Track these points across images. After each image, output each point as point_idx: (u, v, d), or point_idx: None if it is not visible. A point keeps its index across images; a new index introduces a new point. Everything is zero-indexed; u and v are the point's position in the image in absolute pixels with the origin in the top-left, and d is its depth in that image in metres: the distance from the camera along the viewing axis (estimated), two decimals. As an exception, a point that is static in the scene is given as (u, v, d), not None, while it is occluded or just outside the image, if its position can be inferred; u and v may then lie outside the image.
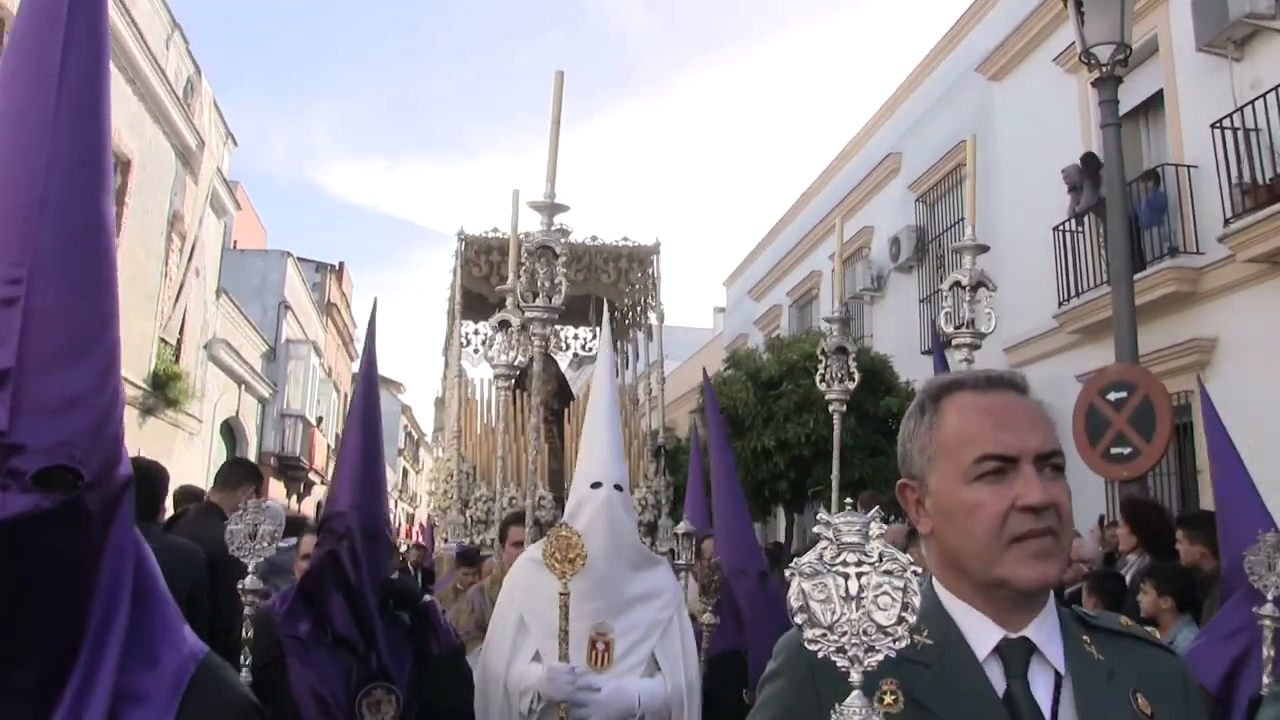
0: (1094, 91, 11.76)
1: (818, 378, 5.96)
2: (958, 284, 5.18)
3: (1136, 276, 8.56)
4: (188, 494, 6.34)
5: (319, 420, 28.30)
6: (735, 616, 4.29)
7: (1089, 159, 11.22)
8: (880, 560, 1.13)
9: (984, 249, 5.55)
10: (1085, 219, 11.45)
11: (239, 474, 5.23)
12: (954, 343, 5.22)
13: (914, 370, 13.32)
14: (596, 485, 3.44)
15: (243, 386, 22.30)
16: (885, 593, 1.12)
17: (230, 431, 22.10)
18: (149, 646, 1.23)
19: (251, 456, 22.79)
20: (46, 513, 1.10)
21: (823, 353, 5.89)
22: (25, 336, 1.10)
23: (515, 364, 5.71)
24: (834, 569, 1.13)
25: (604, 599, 3.34)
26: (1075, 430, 6.83)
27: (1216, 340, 10.07)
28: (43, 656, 1.13)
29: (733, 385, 11.22)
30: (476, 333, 13.05)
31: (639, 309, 12.29)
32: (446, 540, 10.13)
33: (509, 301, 5.68)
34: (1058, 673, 1.40)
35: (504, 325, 5.63)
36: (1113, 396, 6.58)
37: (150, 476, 4.29)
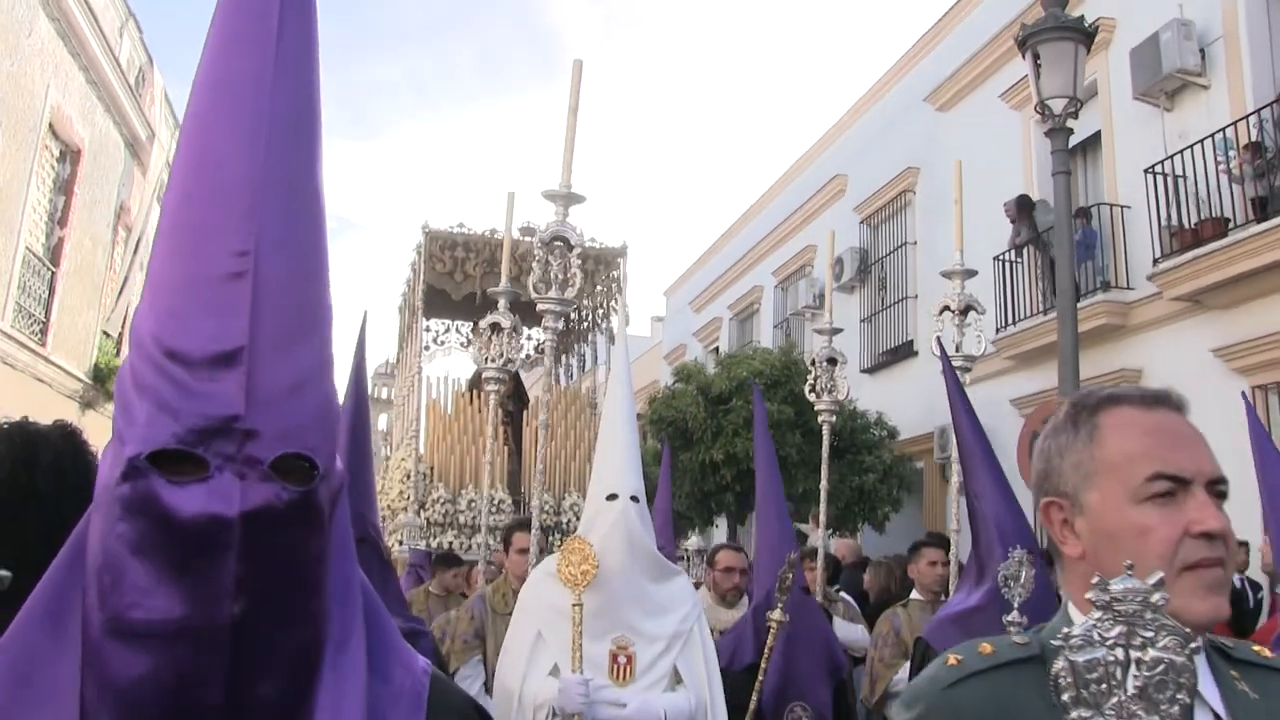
0: (1036, 128, 12.40)
1: (807, 388, 6.07)
2: (947, 309, 5.39)
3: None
4: None
5: (255, 415, 28.15)
6: (761, 631, 4.21)
7: (1024, 200, 11.83)
8: (1158, 635, 1.03)
9: (972, 273, 5.95)
10: (1024, 250, 11.99)
11: None
12: (817, 409, 5.63)
13: (856, 389, 13.78)
14: (613, 497, 3.39)
15: (182, 380, 22.18)
16: (1161, 674, 1.02)
17: (168, 425, 21.95)
18: (380, 660, 1.15)
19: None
20: (286, 505, 1.01)
21: (813, 363, 6.01)
22: (256, 313, 0.99)
23: (507, 366, 5.65)
24: (1109, 643, 1.03)
25: (624, 612, 3.31)
26: (1019, 456, 7.27)
27: (1141, 372, 10.64)
28: (287, 668, 1.04)
29: (682, 398, 11.54)
30: (443, 330, 13.16)
31: (600, 311, 12.30)
32: (401, 543, 10.07)
33: (501, 303, 5.63)
34: (1217, 715, 1.28)
35: (496, 328, 5.57)
36: (1055, 427, 7.05)
37: None
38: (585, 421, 11.19)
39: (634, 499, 3.39)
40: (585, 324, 12.86)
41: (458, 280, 11.06)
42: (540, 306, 4.42)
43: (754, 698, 3.92)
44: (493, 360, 5.54)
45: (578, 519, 9.90)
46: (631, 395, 3.78)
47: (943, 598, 5.21)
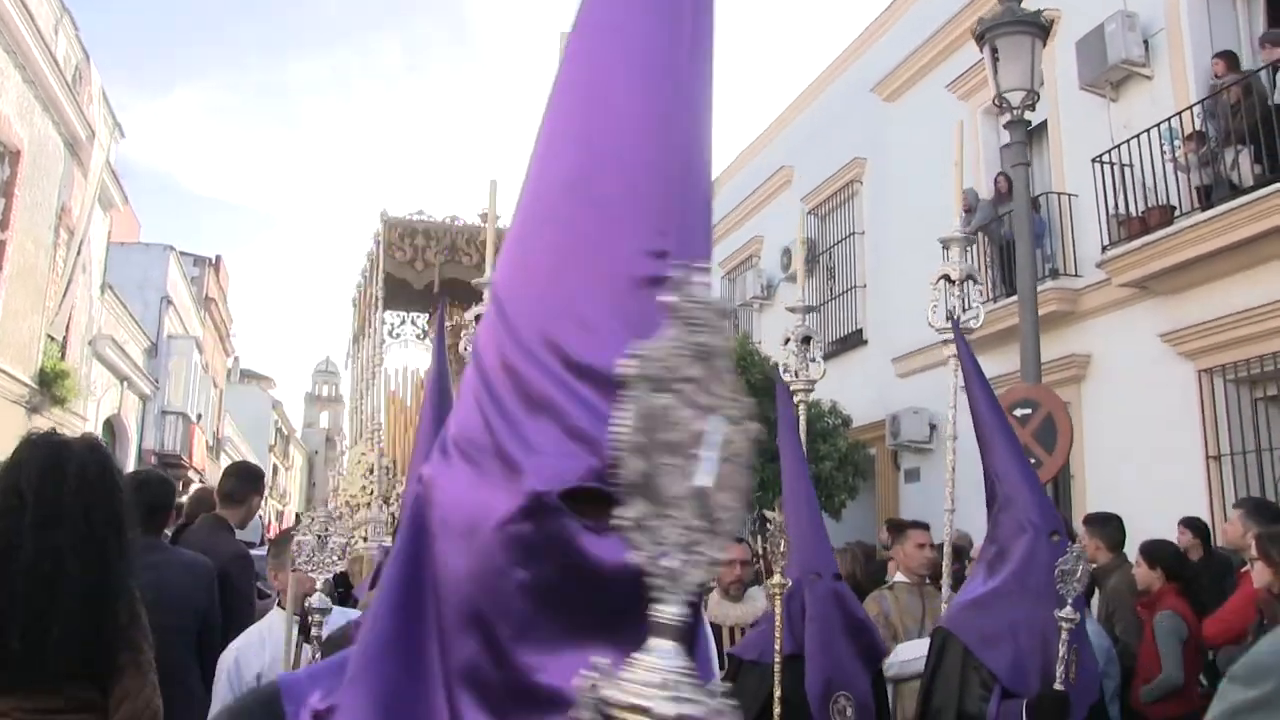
0: (984, 118, 12.63)
1: (781, 368, 5.92)
2: (945, 278, 5.33)
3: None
4: (200, 500, 6.18)
5: (198, 417, 27.83)
6: (797, 620, 4.13)
7: (970, 193, 12.06)
8: None
9: (972, 240, 5.93)
10: (975, 237, 12.21)
11: (245, 486, 5.06)
12: (792, 389, 5.41)
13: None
14: None
15: (125, 383, 21.86)
16: None
17: (112, 429, 21.64)
18: None
19: (131, 454, 22.37)
20: None
21: (786, 342, 5.84)
22: None
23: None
24: None
25: None
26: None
27: (1090, 356, 10.90)
28: None
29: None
30: (399, 322, 12.88)
31: None
32: (366, 539, 9.78)
33: (487, 294, 5.59)
34: None
35: (481, 319, 5.55)
36: (1019, 413, 7.19)
37: (159, 487, 4.29)
38: None
39: None
40: None
41: (418, 269, 10.82)
42: None
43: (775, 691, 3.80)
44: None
45: None
46: None
47: (928, 581, 5.25)
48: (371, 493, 10.08)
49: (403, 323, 13.31)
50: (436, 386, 3.79)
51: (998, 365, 12.15)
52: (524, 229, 0.92)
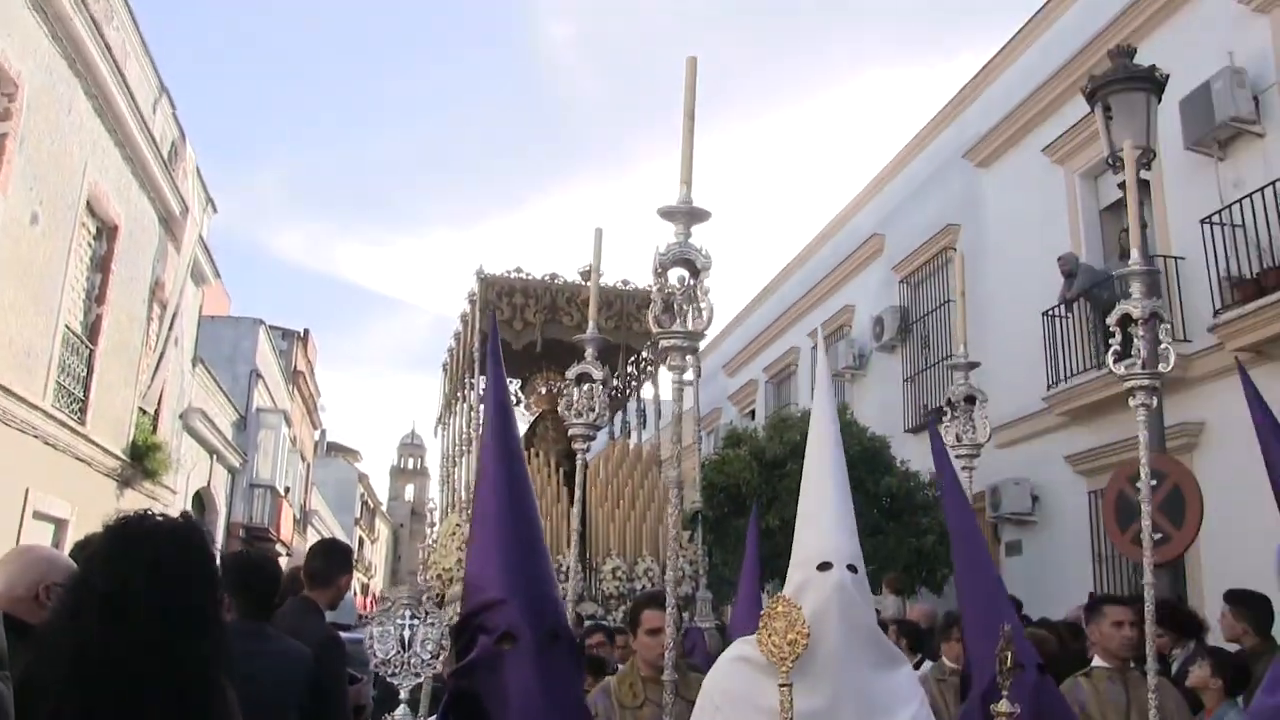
0: (1081, 183, 12.29)
1: (943, 429, 5.26)
2: (949, 403, 5.14)
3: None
4: (290, 580, 6.00)
5: (286, 490, 28.06)
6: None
7: (1069, 257, 11.69)
8: None
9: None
10: (1074, 305, 11.80)
11: (333, 566, 4.87)
12: (955, 455, 4.98)
13: (902, 450, 13.54)
14: (825, 566, 2.71)
15: (214, 456, 22.11)
16: None
17: (201, 502, 21.85)
18: None
19: (220, 526, 22.56)
20: None
21: (949, 403, 5.38)
22: None
23: (597, 423, 4.95)
24: None
25: (841, 712, 2.60)
26: (1106, 516, 7.05)
27: (1204, 424, 10.40)
28: None
29: (734, 464, 11.32)
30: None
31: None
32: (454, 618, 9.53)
33: (589, 353, 5.01)
34: None
35: (583, 379, 4.93)
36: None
37: (267, 571, 4.13)
38: (654, 479, 10.65)
39: (851, 569, 2.72)
40: (644, 375, 12.21)
41: (516, 328, 10.35)
42: (664, 343, 3.49)
43: None
44: (579, 414, 4.90)
45: (651, 584, 9.46)
46: (838, 440, 3.03)
47: (1131, 665, 4.64)
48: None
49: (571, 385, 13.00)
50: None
51: (1100, 435, 11.71)
52: None
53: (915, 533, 11.60)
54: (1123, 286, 10.83)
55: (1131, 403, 3.94)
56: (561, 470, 10.24)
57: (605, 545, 9.89)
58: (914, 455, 13.69)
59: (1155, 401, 3.96)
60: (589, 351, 4.95)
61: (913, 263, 16.07)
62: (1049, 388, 12.16)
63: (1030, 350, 12.50)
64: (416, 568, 13.32)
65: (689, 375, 3.39)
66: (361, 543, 51.65)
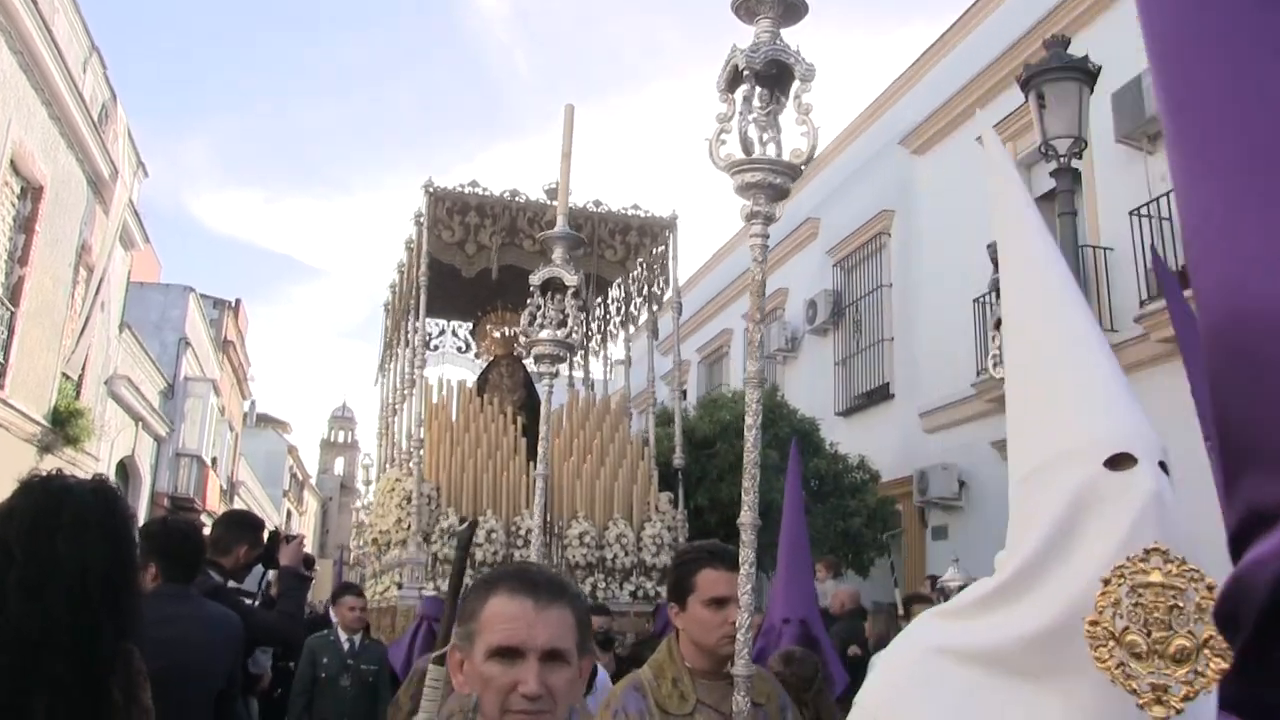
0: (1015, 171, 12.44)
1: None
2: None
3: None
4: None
5: (213, 460, 27.64)
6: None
7: (993, 247, 11.85)
8: None
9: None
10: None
11: (233, 535, 4.79)
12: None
13: (832, 432, 13.68)
14: (1123, 461, 1.59)
15: (140, 424, 21.68)
16: None
17: (125, 470, 21.43)
18: None
19: (144, 495, 22.17)
20: None
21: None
22: None
23: (567, 339, 4.03)
24: None
25: None
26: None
27: (1127, 413, 10.63)
28: None
29: (661, 443, 11.29)
30: (438, 333, 11.61)
31: (642, 297, 10.74)
32: (401, 586, 8.14)
33: (558, 253, 4.10)
34: None
35: (549, 288, 4.02)
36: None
37: (191, 538, 3.96)
38: (624, 433, 9.94)
39: (1162, 466, 1.62)
40: (620, 316, 11.31)
41: (469, 253, 8.95)
42: (746, 178, 2.51)
43: None
44: (544, 328, 3.99)
45: (624, 553, 8.69)
46: (1077, 288, 1.91)
47: None
48: (409, 528, 8.32)
49: (442, 333, 11.99)
50: None
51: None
52: None
53: (843, 514, 11.70)
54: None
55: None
56: (519, 421, 9.35)
57: (571, 506, 8.80)
58: (844, 438, 13.83)
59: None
60: (558, 252, 4.08)
61: (847, 247, 16.22)
62: (978, 374, 12.35)
63: (961, 337, 12.68)
64: (346, 541, 12.80)
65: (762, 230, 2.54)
66: (290, 515, 51.04)
